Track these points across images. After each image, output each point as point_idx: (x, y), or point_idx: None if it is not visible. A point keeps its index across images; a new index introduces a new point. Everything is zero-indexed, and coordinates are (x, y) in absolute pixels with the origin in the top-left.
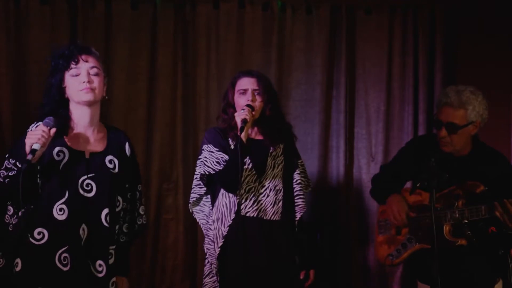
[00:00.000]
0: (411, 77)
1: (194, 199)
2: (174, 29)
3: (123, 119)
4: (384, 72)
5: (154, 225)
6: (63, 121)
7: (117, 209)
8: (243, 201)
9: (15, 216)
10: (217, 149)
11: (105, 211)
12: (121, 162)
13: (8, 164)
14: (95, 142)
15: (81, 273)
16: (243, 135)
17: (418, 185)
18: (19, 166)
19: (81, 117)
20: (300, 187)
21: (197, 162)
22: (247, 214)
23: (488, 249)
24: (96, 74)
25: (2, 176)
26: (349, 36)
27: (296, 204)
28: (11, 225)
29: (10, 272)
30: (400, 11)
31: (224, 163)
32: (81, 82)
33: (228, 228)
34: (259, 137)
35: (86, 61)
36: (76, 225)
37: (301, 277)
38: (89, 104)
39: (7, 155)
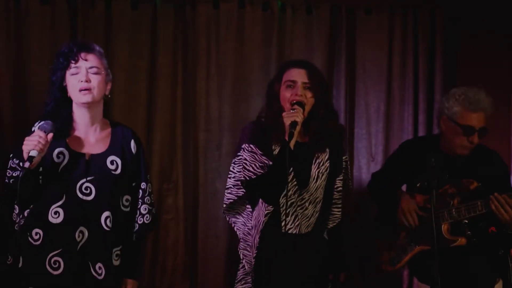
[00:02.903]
0: (411, 77)
1: (231, 200)
2: (174, 29)
3: (123, 119)
4: (384, 72)
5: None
6: (64, 122)
7: (127, 210)
8: (283, 217)
9: (21, 215)
10: (261, 153)
11: (105, 214)
12: (124, 161)
13: (12, 163)
14: (96, 143)
15: (77, 276)
16: (292, 141)
17: (418, 185)
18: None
19: (82, 117)
20: (340, 195)
21: (235, 160)
22: (289, 231)
23: (488, 249)
24: (96, 73)
25: (8, 175)
26: (349, 36)
27: (331, 213)
28: (17, 225)
29: (16, 269)
30: (400, 11)
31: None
32: (79, 81)
33: (259, 239)
34: (304, 139)
35: (86, 60)
36: (72, 228)
37: (330, 278)
38: (88, 105)
39: (11, 155)
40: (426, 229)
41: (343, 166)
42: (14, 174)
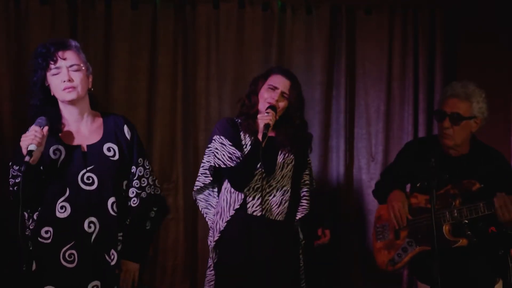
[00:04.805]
0: (411, 77)
1: (198, 187)
2: (174, 29)
3: None
4: (384, 72)
5: None
6: (54, 120)
7: (125, 194)
8: (249, 199)
9: (31, 220)
10: (230, 144)
11: (111, 200)
12: (120, 147)
13: (13, 171)
14: (90, 133)
15: (93, 266)
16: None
17: (418, 185)
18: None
19: (71, 114)
20: (307, 188)
21: (206, 151)
22: (254, 213)
23: (488, 249)
24: (77, 70)
25: (11, 184)
26: (349, 36)
27: (300, 204)
28: (27, 229)
29: (30, 274)
30: (400, 11)
31: (236, 160)
32: (61, 82)
33: (225, 223)
34: (271, 134)
35: (64, 59)
36: (80, 220)
37: (319, 234)
38: (73, 102)
39: (10, 163)
40: (427, 229)
41: (309, 168)
42: (17, 181)
